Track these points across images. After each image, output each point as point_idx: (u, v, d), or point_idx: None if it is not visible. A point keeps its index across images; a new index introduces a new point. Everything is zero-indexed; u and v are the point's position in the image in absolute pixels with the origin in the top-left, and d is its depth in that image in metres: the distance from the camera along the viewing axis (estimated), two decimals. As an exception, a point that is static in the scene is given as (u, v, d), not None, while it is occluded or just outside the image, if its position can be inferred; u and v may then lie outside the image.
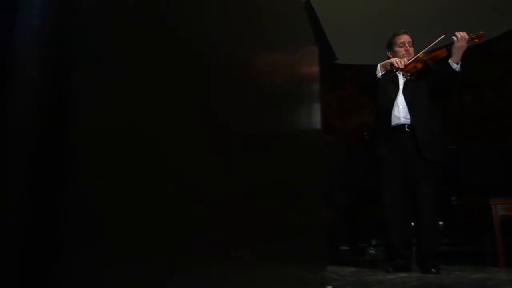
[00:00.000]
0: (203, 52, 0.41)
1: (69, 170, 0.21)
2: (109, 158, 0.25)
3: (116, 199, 0.26)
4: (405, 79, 2.53)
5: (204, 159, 0.39)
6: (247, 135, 0.55)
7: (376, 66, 2.56)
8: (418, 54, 2.50)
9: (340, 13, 4.07)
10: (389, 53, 2.65)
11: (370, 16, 4.17)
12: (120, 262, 0.26)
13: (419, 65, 2.46)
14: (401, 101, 2.46)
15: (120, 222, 0.26)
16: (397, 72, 2.53)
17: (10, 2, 0.23)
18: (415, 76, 2.49)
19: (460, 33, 2.29)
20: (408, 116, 2.41)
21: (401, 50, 2.56)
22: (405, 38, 2.59)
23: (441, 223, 2.66)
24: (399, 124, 2.42)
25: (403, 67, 2.46)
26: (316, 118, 1.30)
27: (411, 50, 2.58)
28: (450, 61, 2.31)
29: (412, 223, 2.48)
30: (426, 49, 2.50)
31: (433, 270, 2.18)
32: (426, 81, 2.46)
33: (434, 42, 2.47)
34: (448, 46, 2.36)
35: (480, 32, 2.33)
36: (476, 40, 2.34)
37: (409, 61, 2.48)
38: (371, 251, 3.44)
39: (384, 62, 2.55)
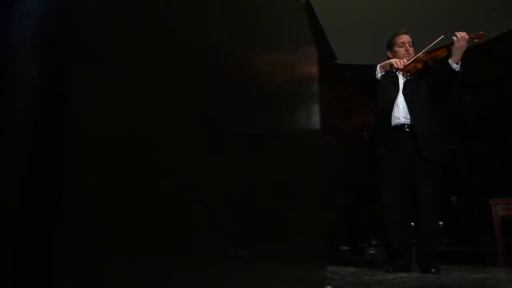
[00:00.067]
0: (203, 52, 0.41)
1: (67, 170, 0.21)
2: (108, 159, 0.25)
3: (115, 199, 0.26)
4: (405, 79, 2.53)
5: (204, 159, 0.39)
6: (247, 135, 0.55)
7: (376, 66, 2.56)
8: (418, 54, 2.50)
9: (340, 13, 4.07)
10: (389, 53, 2.64)
11: (370, 16, 4.17)
12: (120, 262, 0.26)
13: (419, 65, 2.46)
14: (401, 101, 2.46)
15: (119, 223, 0.26)
16: (397, 72, 2.53)
17: (6, 2, 0.22)
18: (415, 76, 2.50)
19: (460, 33, 2.29)
20: (408, 116, 2.41)
21: (401, 50, 2.56)
22: (405, 38, 2.59)
23: (441, 223, 2.66)
24: (399, 124, 2.42)
25: (402, 67, 2.46)
26: (315, 118, 1.30)
27: (411, 50, 2.58)
28: (450, 61, 2.31)
29: (412, 223, 2.48)
30: (426, 49, 2.50)
31: (433, 270, 2.18)
32: (426, 81, 2.46)
33: (434, 42, 2.48)
34: (448, 46, 2.36)
35: (480, 32, 2.33)
36: (476, 40, 2.34)
37: (409, 61, 2.48)
38: (371, 251, 3.44)
39: (384, 63, 2.55)
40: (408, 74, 2.51)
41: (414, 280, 1.90)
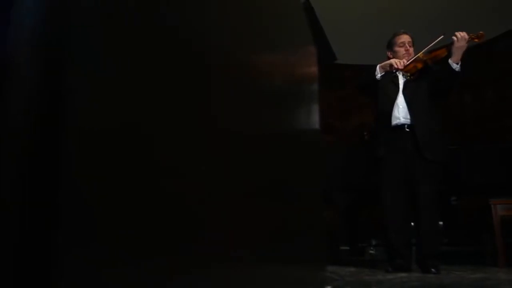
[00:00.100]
0: (203, 52, 0.41)
1: (63, 169, 0.21)
2: (104, 158, 0.25)
3: (115, 199, 0.26)
4: (405, 79, 2.53)
5: (204, 159, 0.39)
6: (246, 135, 0.55)
7: (376, 67, 2.56)
8: (418, 54, 2.50)
9: (340, 13, 4.07)
10: (389, 53, 2.64)
11: (370, 16, 4.17)
12: (120, 262, 0.26)
13: (419, 65, 2.46)
14: (401, 101, 2.46)
15: (119, 222, 0.26)
16: (397, 72, 2.53)
17: (4, 1, 0.22)
18: (415, 76, 2.49)
19: (460, 33, 2.29)
20: (408, 116, 2.41)
21: (401, 50, 2.56)
22: (405, 38, 2.59)
23: (441, 223, 2.67)
24: (399, 124, 2.42)
25: (402, 67, 2.46)
26: (315, 118, 1.31)
27: (411, 50, 2.57)
28: (450, 61, 2.31)
29: (412, 223, 2.48)
30: (426, 49, 2.50)
31: (433, 270, 2.18)
32: (426, 81, 2.46)
33: (434, 42, 2.47)
34: (448, 46, 2.36)
35: (480, 32, 2.33)
36: (476, 40, 2.34)
37: (409, 61, 2.48)
38: (371, 251, 3.44)
39: (384, 63, 2.55)
40: (408, 74, 2.51)
41: (414, 280, 1.90)
